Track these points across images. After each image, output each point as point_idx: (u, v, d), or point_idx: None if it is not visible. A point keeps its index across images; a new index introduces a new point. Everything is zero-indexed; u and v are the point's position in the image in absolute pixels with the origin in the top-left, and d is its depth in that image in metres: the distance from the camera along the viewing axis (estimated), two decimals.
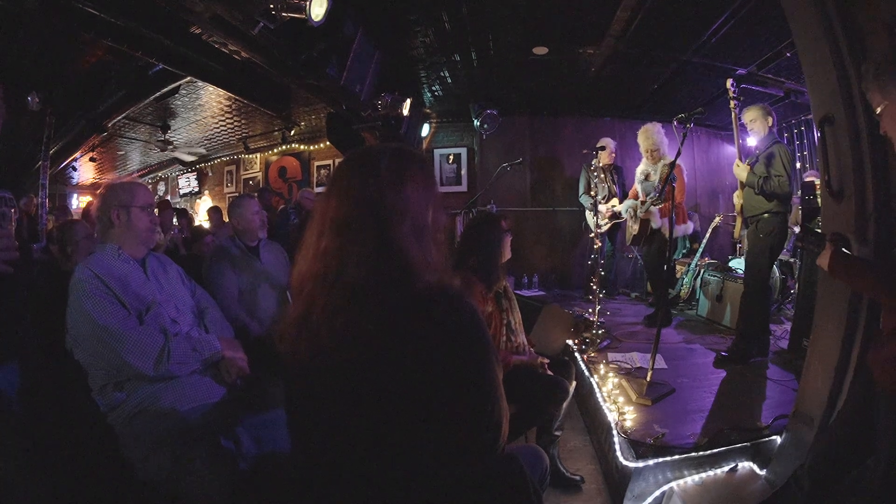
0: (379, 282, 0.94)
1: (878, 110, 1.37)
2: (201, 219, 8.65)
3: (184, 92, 5.78)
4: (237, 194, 8.26)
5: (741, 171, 3.15)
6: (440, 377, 0.92)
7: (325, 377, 0.97)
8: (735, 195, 3.37)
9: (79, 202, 9.87)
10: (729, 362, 3.13)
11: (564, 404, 2.33)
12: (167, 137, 7.19)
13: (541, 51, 4.60)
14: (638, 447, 2.11)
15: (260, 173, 8.41)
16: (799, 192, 3.73)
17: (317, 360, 0.97)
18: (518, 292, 5.15)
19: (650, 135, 4.17)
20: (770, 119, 3.16)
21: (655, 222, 4.10)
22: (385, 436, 0.95)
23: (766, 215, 3.08)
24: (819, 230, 1.89)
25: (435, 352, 0.91)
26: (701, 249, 5.07)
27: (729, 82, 3.28)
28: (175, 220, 6.49)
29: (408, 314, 0.93)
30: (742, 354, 3.14)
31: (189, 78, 4.98)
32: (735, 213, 3.41)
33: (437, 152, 6.88)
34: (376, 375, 0.92)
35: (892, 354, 1.33)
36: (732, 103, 3.25)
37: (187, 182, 9.55)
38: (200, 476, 1.50)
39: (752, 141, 3.34)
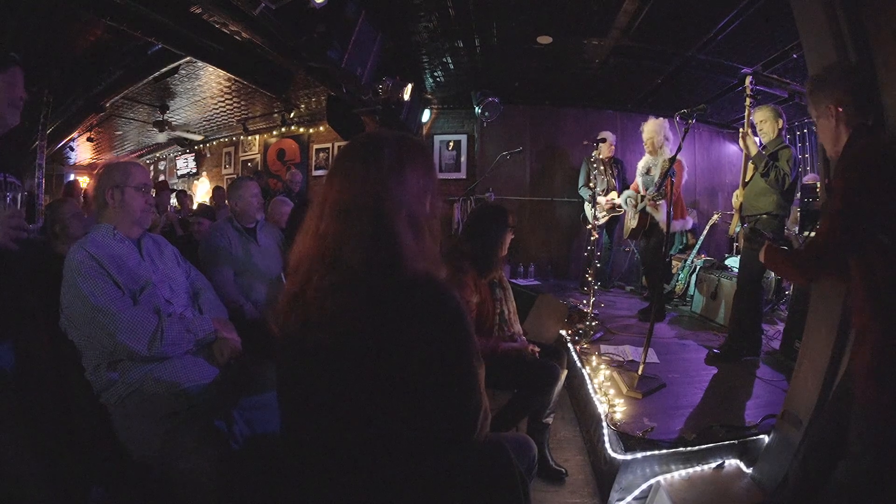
0: (372, 266, 0.97)
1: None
2: (199, 199, 8.61)
3: (183, 72, 5.71)
4: (235, 176, 8.22)
5: (750, 141, 3.11)
6: (419, 362, 0.96)
7: (313, 355, 1.01)
8: (735, 194, 3.35)
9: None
10: (721, 360, 3.14)
11: (555, 390, 2.34)
12: (165, 118, 7.13)
13: (545, 40, 4.56)
14: (627, 440, 2.13)
15: (258, 155, 8.34)
16: (798, 195, 3.71)
17: (306, 334, 1.01)
18: (514, 281, 5.18)
19: (656, 128, 4.17)
20: (780, 121, 3.12)
21: (661, 215, 4.08)
22: (368, 416, 0.99)
23: (764, 216, 3.07)
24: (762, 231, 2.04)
25: (416, 336, 0.95)
26: (698, 246, 5.08)
27: (748, 79, 3.21)
28: (175, 199, 6.47)
29: (394, 299, 0.96)
30: (734, 352, 3.16)
31: (188, 58, 4.91)
32: (733, 212, 3.40)
33: (436, 138, 6.84)
34: (360, 355, 0.96)
35: (865, 360, 1.35)
36: (748, 101, 3.19)
37: (185, 163, 9.48)
38: (191, 456, 1.50)
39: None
